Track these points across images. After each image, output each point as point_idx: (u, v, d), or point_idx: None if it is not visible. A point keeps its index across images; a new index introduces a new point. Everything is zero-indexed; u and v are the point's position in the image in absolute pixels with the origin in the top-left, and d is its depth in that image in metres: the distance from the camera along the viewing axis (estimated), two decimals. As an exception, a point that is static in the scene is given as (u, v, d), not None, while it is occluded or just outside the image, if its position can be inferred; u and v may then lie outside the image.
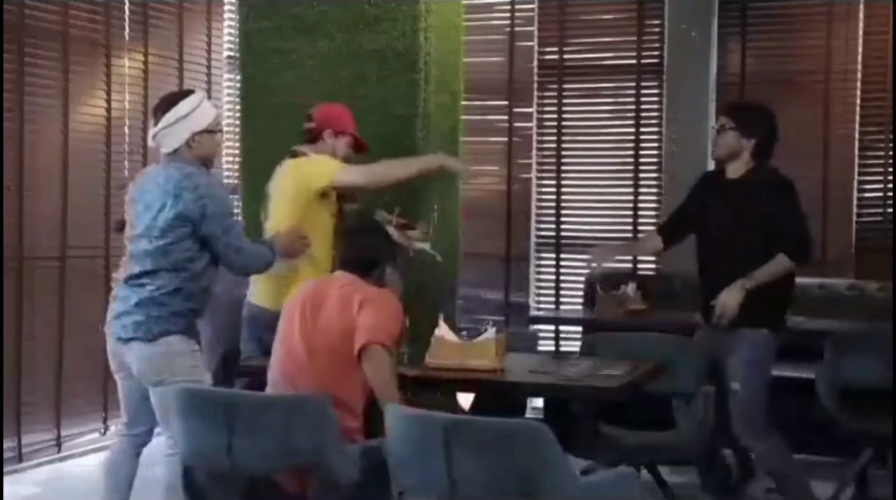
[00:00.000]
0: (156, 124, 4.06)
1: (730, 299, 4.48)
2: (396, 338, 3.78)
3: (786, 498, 4.78)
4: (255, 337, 4.56)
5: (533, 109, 7.45)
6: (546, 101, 7.43)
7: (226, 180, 7.17)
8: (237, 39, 6.31)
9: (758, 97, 6.98)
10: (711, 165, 6.98)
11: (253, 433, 3.45)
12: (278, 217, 4.61)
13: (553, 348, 7.32)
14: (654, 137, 7.19)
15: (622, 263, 7.21)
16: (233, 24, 7.02)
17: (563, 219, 7.42)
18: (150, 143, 4.15)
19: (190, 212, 3.94)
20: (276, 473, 3.62)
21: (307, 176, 4.62)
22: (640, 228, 7.21)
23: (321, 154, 4.72)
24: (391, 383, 3.68)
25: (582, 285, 6.98)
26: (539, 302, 7.47)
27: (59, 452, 6.10)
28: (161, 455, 4.13)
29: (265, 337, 4.27)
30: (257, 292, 4.67)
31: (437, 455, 3.12)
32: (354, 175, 4.64)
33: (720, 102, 6.82)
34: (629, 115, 7.29)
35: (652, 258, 7.17)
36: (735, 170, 4.75)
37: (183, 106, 4.03)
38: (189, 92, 4.22)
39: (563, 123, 7.40)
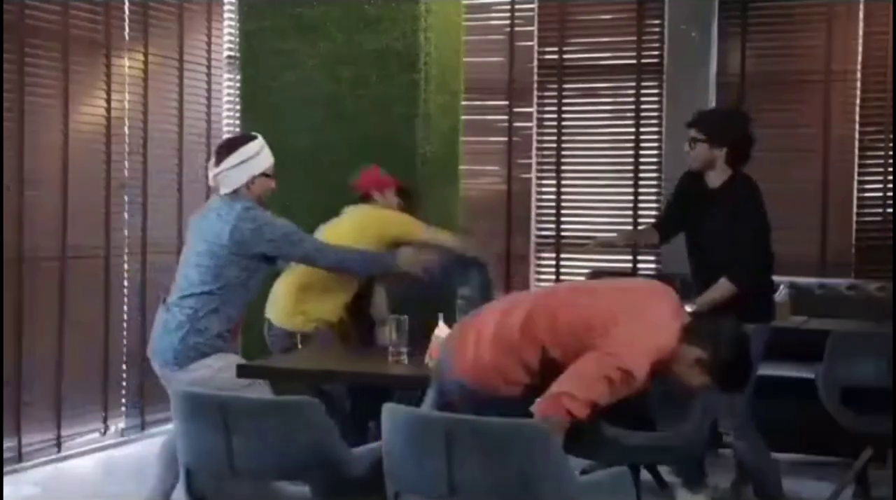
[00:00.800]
0: (217, 165, 4.28)
1: None
2: None
3: (761, 498, 4.81)
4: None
5: (533, 109, 7.45)
6: (546, 101, 7.43)
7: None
8: (237, 39, 6.32)
9: (757, 97, 7.02)
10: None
11: (252, 436, 3.45)
12: None
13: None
14: (654, 137, 7.19)
15: (622, 263, 7.23)
16: (233, 24, 7.01)
17: (562, 219, 7.42)
18: (210, 182, 4.39)
19: (247, 239, 4.19)
20: (275, 476, 3.62)
21: (386, 223, 4.93)
22: (640, 227, 7.21)
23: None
24: None
25: (582, 285, 6.98)
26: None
27: (59, 452, 6.10)
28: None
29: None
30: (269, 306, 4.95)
31: (438, 456, 3.12)
32: (430, 235, 4.97)
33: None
34: (629, 115, 7.30)
35: (652, 258, 7.18)
36: (714, 179, 4.78)
37: (245, 150, 4.28)
38: (251, 137, 4.39)
39: (563, 123, 7.40)
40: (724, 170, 4.75)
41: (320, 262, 4.51)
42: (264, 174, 4.31)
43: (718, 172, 4.75)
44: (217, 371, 4.17)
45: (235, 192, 4.27)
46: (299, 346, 4.78)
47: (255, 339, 4.97)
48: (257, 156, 4.28)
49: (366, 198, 5.09)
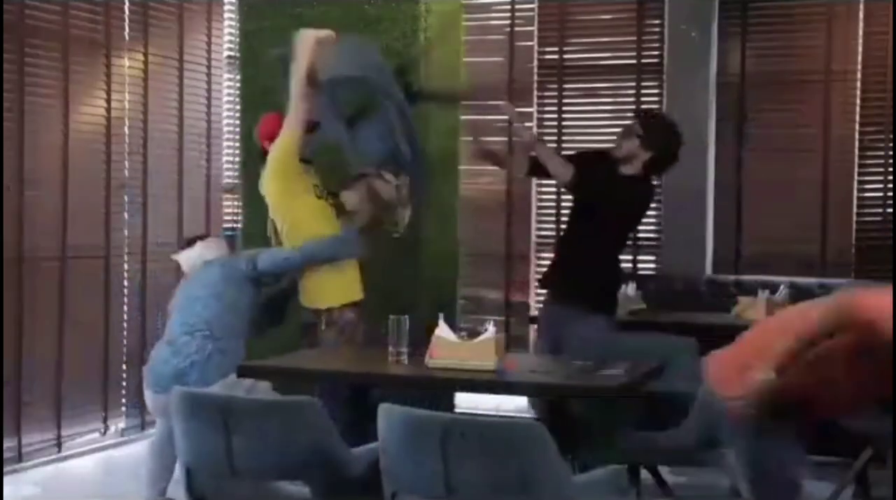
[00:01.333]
0: (182, 251, 4.97)
1: None
2: None
3: None
4: None
5: (533, 109, 7.44)
6: (546, 101, 7.43)
7: (226, 181, 7.19)
8: (237, 39, 6.32)
9: (757, 97, 7.01)
10: (711, 166, 7.01)
11: (252, 436, 3.45)
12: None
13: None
14: (654, 136, 7.17)
15: (622, 263, 7.21)
16: (233, 24, 7.01)
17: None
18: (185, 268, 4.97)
19: (242, 267, 4.73)
20: (275, 476, 3.62)
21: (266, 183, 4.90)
22: (640, 228, 7.18)
23: None
24: None
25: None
26: (539, 302, 7.46)
27: (59, 452, 6.10)
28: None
29: None
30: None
31: (435, 455, 3.12)
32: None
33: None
34: (629, 115, 7.27)
35: (652, 258, 7.18)
36: (627, 170, 5.01)
37: (195, 251, 4.91)
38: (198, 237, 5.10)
39: (563, 123, 7.39)
40: (639, 169, 5.00)
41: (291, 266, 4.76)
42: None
43: (633, 168, 4.99)
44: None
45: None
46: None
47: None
48: (207, 249, 4.90)
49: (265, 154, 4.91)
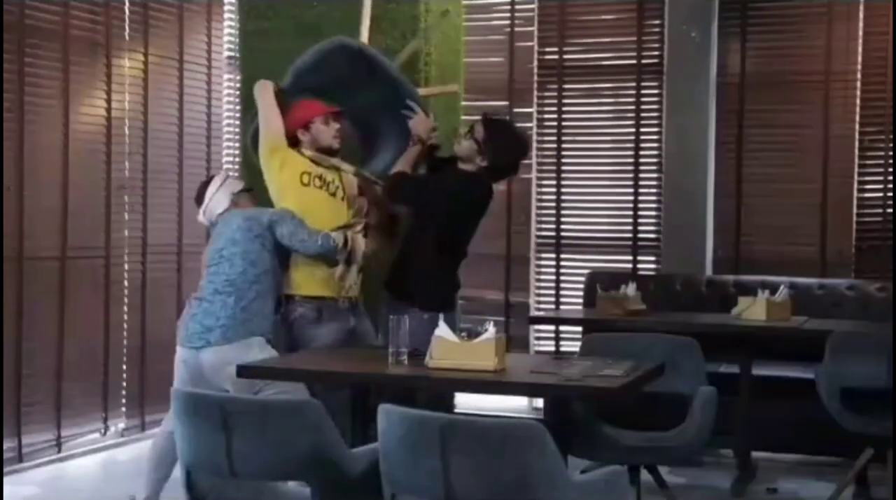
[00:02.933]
0: (200, 207, 4.90)
1: None
2: None
3: None
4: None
5: (533, 109, 7.45)
6: (546, 101, 7.43)
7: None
8: (237, 40, 6.32)
9: (757, 97, 7.02)
10: (711, 167, 7.02)
11: (251, 437, 3.45)
12: None
13: (553, 349, 7.33)
14: (654, 137, 7.19)
15: (622, 263, 7.23)
16: (233, 24, 7.02)
17: (563, 219, 7.42)
18: (205, 222, 4.97)
19: (256, 230, 4.65)
20: (275, 477, 3.62)
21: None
22: (640, 228, 7.22)
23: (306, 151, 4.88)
24: None
25: (582, 285, 6.98)
26: (539, 302, 7.48)
27: (59, 452, 6.10)
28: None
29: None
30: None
31: (434, 456, 3.12)
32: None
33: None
34: (629, 115, 7.29)
35: (652, 259, 7.18)
36: (467, 167, 4.87)
37: (213, 185, 4.89)
38: (212, 177, 5.03)
39: (563, 124, 7.40)
40: (474, 168, 4.84)
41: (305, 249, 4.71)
42: (243, 191, 4.89)
43: (470, 166, 4.85)
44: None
45: (227, 209, 4.82)
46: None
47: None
48: (225, 183, 4.88)
49: (295, 144, 4.88)
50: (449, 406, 4.82)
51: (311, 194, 4.78)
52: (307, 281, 4.76)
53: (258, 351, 4.49)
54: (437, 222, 4.83)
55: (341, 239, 4.69)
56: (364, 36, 5.20)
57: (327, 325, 4.73)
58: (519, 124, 6.78)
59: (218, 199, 4.86)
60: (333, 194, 4.84)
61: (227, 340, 4.51)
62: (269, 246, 4.66)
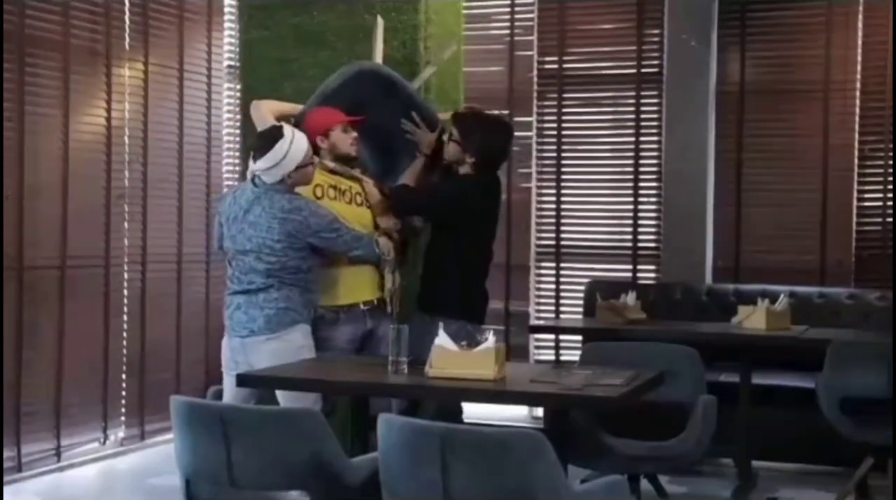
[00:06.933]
0: (255, 161, 4.45)
1: None
2: None
3: None
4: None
5: (533, 119, 7.45)
6: (546, 110, 7.44)
7: (226, 188, 7.19)
8: (237, 49, 6.33)
9: (757, 106, 7.03)
10: (711, 176, 7.03)
11: (251, 446, 3.45)
12: None
13: (553, 358, 7.33)
14: (654, 146, 7.20)
15: (623, 272, 7.23)
16: (233, 33, 7.02)
17: (562, 228, 7.42)
18: (248, 175, 4.58)
19: (298, 232, 4.41)
20: (275, 486, 3.62)
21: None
22: (640, 236, 7.22)
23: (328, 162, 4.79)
24: None
25: (582, 294, 6.98)
26: (539, 311, 7.47)
27: (58, 461, 6.09)
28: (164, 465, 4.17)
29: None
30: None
31: (433, 465, 3.11)
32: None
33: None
34: (629, 124, 7.30)
35: (652, 267, 7.18)
36: (463, 170, 4.84)
37: (282, 145, 4.41)
38: (281, 129, 4.49)
39: (563, 133, 7.41)
40: (468, 169, 4.80)
41: (353, 253, 4.61)
42: (302, 166, 4.46)
43: (466, 167, 4.81)
44: (299, 349, 4.47)
45: (277, 182, 4.45)
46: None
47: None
48: (293, 148, 4.42)
49: (316, 150, 4.74)
50: (457, 416, 4.79)
51: (327, 206, 4.74)
52: (347, 291, 4.75)
53: (301, 339, 4.47)
54: (452, 231, 4.81)
55: (388, 247, 4.67)
56: (378, 59, 5.17)
57: (342, 327, 4.73)
58: (518, 134, 6.82)
59: (277, 168, 4.42)
60: (350, 202, 4.81)
61: (270, 331, 4.46)
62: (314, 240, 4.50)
